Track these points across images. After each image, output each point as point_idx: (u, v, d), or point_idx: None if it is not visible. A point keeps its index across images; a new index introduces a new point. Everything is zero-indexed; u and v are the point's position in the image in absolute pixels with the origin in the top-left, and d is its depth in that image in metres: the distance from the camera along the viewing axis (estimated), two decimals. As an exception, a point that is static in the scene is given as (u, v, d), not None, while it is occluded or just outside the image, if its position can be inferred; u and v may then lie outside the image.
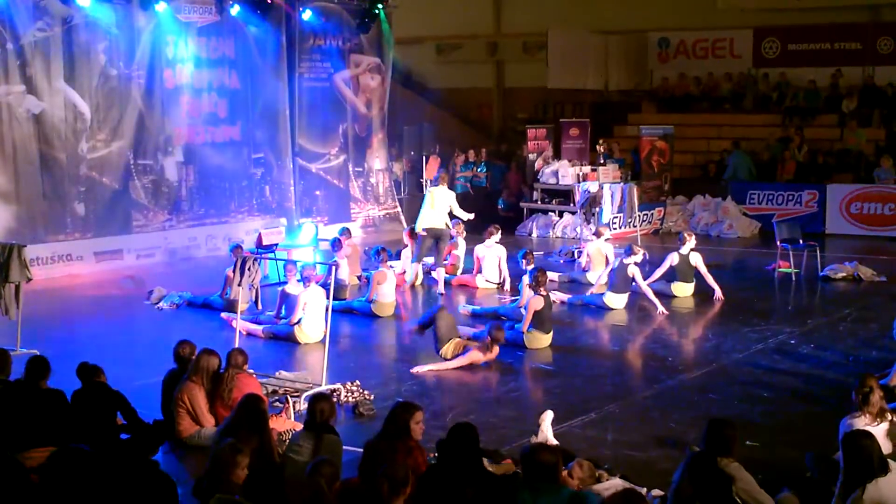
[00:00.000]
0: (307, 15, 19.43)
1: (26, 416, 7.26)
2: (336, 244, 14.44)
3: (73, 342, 11.40)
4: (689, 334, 12.77)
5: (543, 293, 11.47)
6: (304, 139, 19.88)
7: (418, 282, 15.11)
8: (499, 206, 23.27)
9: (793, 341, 11.80)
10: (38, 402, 7.40)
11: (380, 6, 20.56)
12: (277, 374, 10.02)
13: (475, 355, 10.57)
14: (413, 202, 20.52)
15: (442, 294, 14.49)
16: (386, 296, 13.20)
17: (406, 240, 15.62)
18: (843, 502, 5.82)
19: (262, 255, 14.38)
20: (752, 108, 25.36)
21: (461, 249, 15.74)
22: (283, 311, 12.25)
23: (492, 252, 15.02)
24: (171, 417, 8.21)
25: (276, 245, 16.04)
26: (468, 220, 15.53)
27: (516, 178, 23.49)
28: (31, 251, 12.51)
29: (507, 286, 14.79)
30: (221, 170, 18.52)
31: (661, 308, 13.22)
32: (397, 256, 15.51)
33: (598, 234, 15.64)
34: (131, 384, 8.82)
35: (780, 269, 16.02)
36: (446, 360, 10.67)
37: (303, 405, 8.63)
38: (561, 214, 20.99)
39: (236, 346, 9.29)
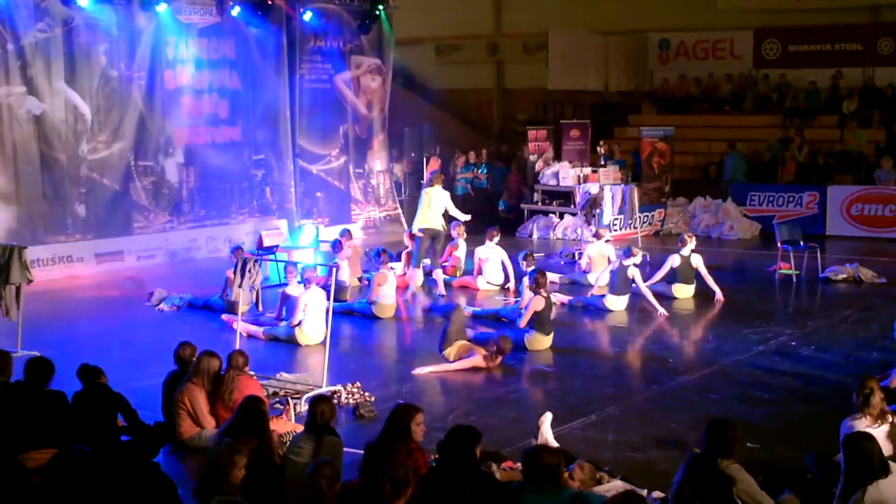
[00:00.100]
0: (308, 16, 19.43)
1: (27, 417, 7.26)
2: (337, 246, 14.44)
3: (74, 344, 11.39)
4: (690, 336, 12.77)
5: (544, 294, 11.47)
6: (304, 140, 19.88)
7: (418, 283, 15.09)
8: (499, 207, 23.27)
9: (793, 343, 11.80)
10: (38, 404, 7.40)
11: (380, 7, 20.56)
12: (278, 375, 10.02)
13: (478, 361, 10.55)
14: (414, 203, 20.46)
15: (443, 295, 14.48)
16: (386, 297, 13.20)
17: (407, 241, 15.62)
18: (844, 504, 5.83)
19: (263, 257, 14.38)
20: (752, 110, 25.36)
21: (461, 251, 15.73)
22: (283, 312, 12.25)
23: (494, 254, 15.03)
24: (172, 419, 8.21)
25: (277, 246, 16.06)
26: (465, 220, 15.50)
27: (517, 180, 23.49)
28: (31, 252, 12.51)
29: (512, 285, 14.80)
30: (222, 171, 18.52)
31: (660, 310, 13.23)
32: (398, 258, 15.51)
33: (598, 236, 15.64)
34: (132, 386, 8.83)
35: (781, 271, 16.03)
36: (448, 361, 10.66)
37: (303, 407, 8.63)
38: (561, 216, 20.99)
39: (237, 347, 9.31)
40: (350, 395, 9.34)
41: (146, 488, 5.80)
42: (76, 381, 7.95)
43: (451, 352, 10.73)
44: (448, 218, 15.27)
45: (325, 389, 9.22)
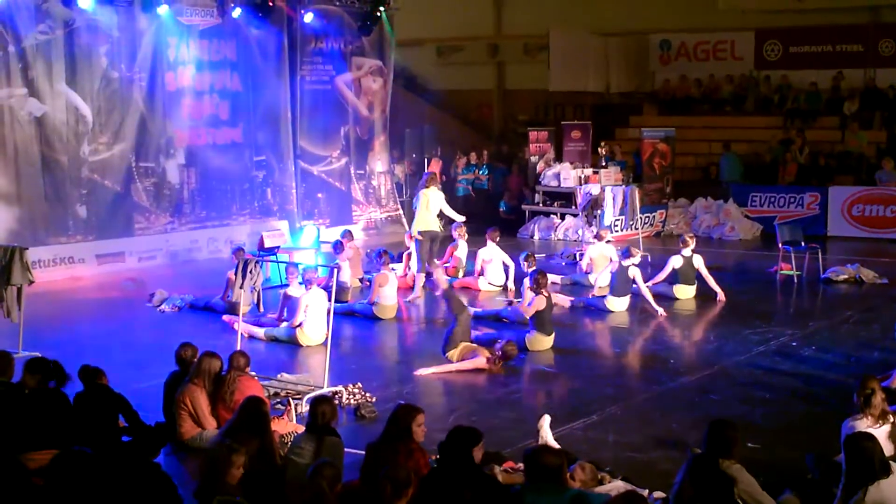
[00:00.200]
0: (308, 17, 19.43)
1: (28, 418, 7.27)
2: (338, 247, 14.44)
3: (75, 345, 11.39)
4: (691, 336, 12.77)
5: (546, 294, 11.47)
6: (305, 141, 19.89)
7: (420, 285, 15.09)
8: (500, 208, 23.29)
9: (794, 343, 11.80)
10: (40, 405, 7.41)
11: (381, 9, 20.56)
12: (279, 376, 10.03)
13: (481, 363, 10.54)
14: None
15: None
16: (387, 298, 13.20)
17: (408, 242, 15.61)
18: (845, 504, 5.83)
19: (264, 258, 14.38)
20: (753, 111, 25.37)
21: (463, 251, 15.74)
22: (284, 313, 12.26)
23: (497, 255, 15.05)
24: (173, 420, 8.22)
25: (278, 247, 16.07)
26: (461, 221, 15.44)
27: (518, 181, 23.50)
28: (32, 254, 12.51)
29: (511, 285, 14.82)
30: (223, 172, 18.53)
31: (659, 311, 13.24)
32: (399, 259, 15.51)
33: (599, 238, 15.65)
34: (133, 386, 8.84)
35: (782, 272, 16.03)
36: (451, 362, 10.66)
37: (304, 407, 8.63)
38: (563, 217, 21.00)
39: (238, 348, 9.31)
40: (351, 396, 9.35)
41: (147, 489, 5.80)
42: (77, 381, 7.95)
43: (454, 353, 10.73)
44: (446, 219, 15.25)
45: (326, 390, 9.23)
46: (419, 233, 14.62)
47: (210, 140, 18.42)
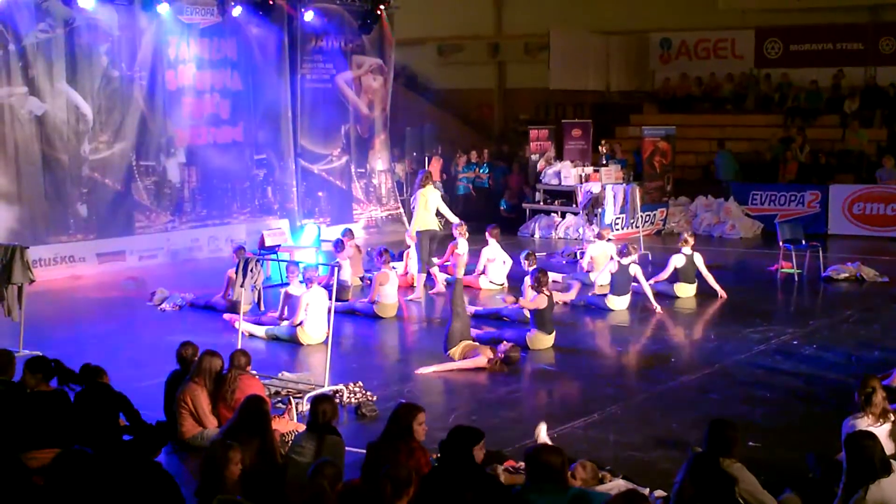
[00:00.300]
0: (309, 16, 19.41)
1: (29, 417, 7.27)
2: (338, 245, 14.43)
3: (76, 343, 11.40)
4: (691, 335, 12.77)
5: (547, 293, 11.47)
6: (306, 140, 19.89)
7: (420, 283, 15.08)
8: (501, 207, 23.28)
9: (795, 342, 11.80)
10: (40, 404, 7.41)
11: (382, 7, 20.55)
12: (280, 375, 10.03)
13: (482, 362, 10.54)
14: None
15: (442, 294, 14.50)
16: (388, 297, 13.21)
17: (409, 240, 15.60)
18: (846, 503, 5.82)
19: (265, 257, 14.37)
20: (753, 109, 25.38)
21: (463, 250, 15.71)
22: (285, 312, 12.26)
23: (500, 253, 15.06)
24: (174, 418, 8.22)
25: (279, 246, 16.06)
26: (456, 224, 15.35)
27: (518, 179, 23.50)
28: (33, 252, 12.51)
29: (505, 283, 14.85)
30: (223, 171, 18.52)
31: (657, 307, 13.26)
32: (399, 257, 15.50)
33: (600, 237, 15.64)
34: (134, 385, 8.83)
35: (783, 270, 16.03)
36: (452, 360, 10.66)
37: (305, 406, 8.63)
38: (563, 215, 21.00)
39: (239, 347, 9.30)
40: (352, 395, 9.34)
41: (149, 488, 5.80)
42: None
43: (456, 351, 10.74)
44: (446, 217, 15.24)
45: (326, 389, 9.23)
46: (418, 232, 14.56)
47: (210, 139, 18.42)
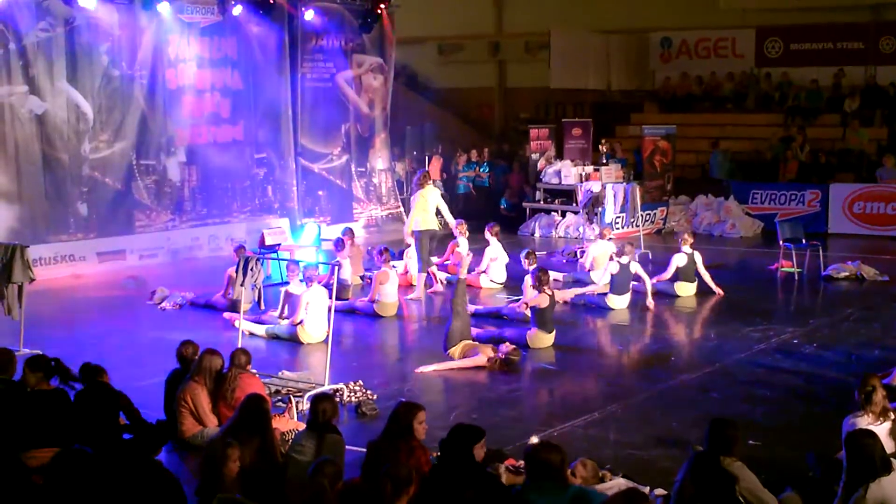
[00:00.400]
0: (309, 15, 19.41)
1: (29, 416, 7.27)
2: (339, 244, 14.43)
3: (76, 342, 11.40)
4: (691, 334, 12.77)
5: (549, 292, 11.47)
6: (306, 139, 19.89)
7: (420, 282, 15.07)
8: (501, 205, 23.28)
9: (795, 341, 11.80)
10: (40, 403, 7.41)
11: (382, 6, 20.54)
12: (280, 373, 10.03)
13: (481, 361, 10.54)
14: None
15: (441, 293, 14.50)
16: (388, 296, 13.20)
17: (409, 240, 15.58)
18: (846, 502, 5.82)
19: (265, 255, 14.37)
20: (754, 108, 25.39)
21: (464, 249, 15.70)
22: (285, 311, 12.26)
23: (502, 252, 15.06)
24: (174, 417, 8.22)
25: (279, 245, 16.06)
26: (455, 225, 15.32)
27: (519, 178, 23.49)
28: (33, 251, 12.53)
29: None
30: (224, 170, 18.53)
31: (649, 301, 13.35)
32: (400, 256, 15.49)
33: (601, 236, 15.65)
34: (134, 384, 8.84)
35: (783, 269, 16.02)
36: (452, 359, 10.66)
37: (305, 405, 8.63)
38: (563, 214, 21.00)
39: (239, 346, 9.30)
40: (352, 394, 9.34)
41: (150, 487, 5.80)
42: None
43: (456, 350, 10.74)
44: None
45: (327, 388, 9.22)
46: (419, 231, 14.49)
47: (211, 138, 18.42)
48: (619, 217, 20.10)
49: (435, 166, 22.38)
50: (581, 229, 19.38)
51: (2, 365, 7.76)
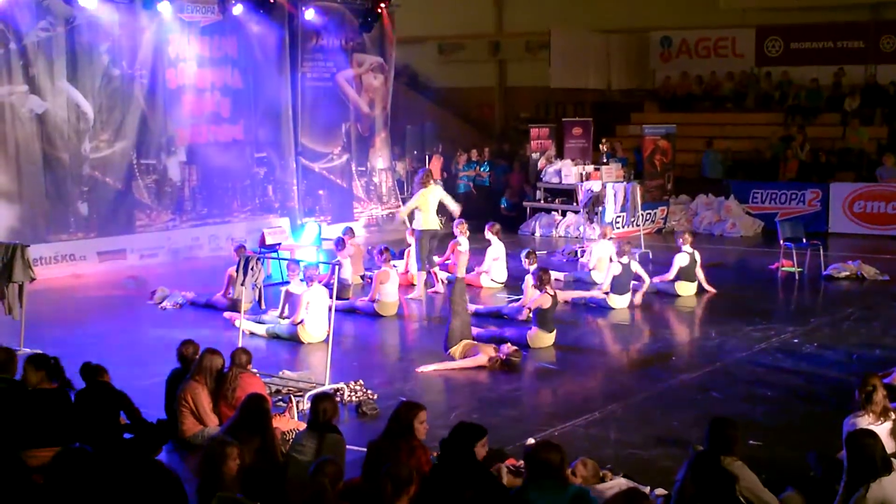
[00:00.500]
0: (309, 14, 19.41)
1: (30, 415, 7.27)
2: (339, 244, 14.43)
3: (77, 342, 11.39)
4: (692, 333, 12.78)
5: (551, 292, 11.46)
6: (306, 138, 19.89)
7: (421, 282, 15.06)
8: (501, 205, 23.27)
9: (795, 340, 11.80)
10: (41, 402, 7.41)
11: (382, 6, 20.54)
12: (281, 373, 10.03)
13: (482, 360, 10.53)
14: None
15: (440, 293, 14.50)
16: (389, 295, 13.20)
17: (409, 239, 15.58)
18: (847, 501, 5.82)
19: (266, 255, 14.38)
20: (754, 107, 25.36)
21: (465, 248, 15.69)
22: (286, 310, 12.26)
23: (503, 252, 15.06)
24: (175, 417, 8.22)
25: (280, 244, 16.06)
26: (455, 212, 15.25)
27: (519, 178, 23.49)
28: (34, 251, 12.53)
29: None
30: (224, 169, 18.53)
31: (638, 297, 13.46)
32: (400, 256, 15.49)
33: (604, 235, 15.65)
34: (135, 384, 8.83)
35: (784, 269, 16.02)
36: (453, 359, 10.66)
37: (306, 404, 8.63)
38: (564, 214, 21.00)
39: (239, 345, 9.30)
40: (353, 393, 9.35)
41: (151, 486, 5.79)
42: (79, 379, 7.95)
43: (456, 350, 10.73)
44: (447, 217, 15.21)
45: (327, 387, 9.22)
46: (420, 231, 14.49)
47: (211, 137, 18.43)
48: (619, 216, 20.10)
49: (435, 166, 22.38)
50: (581, 229, 19.38)
51: (2, 364, 7.76)
